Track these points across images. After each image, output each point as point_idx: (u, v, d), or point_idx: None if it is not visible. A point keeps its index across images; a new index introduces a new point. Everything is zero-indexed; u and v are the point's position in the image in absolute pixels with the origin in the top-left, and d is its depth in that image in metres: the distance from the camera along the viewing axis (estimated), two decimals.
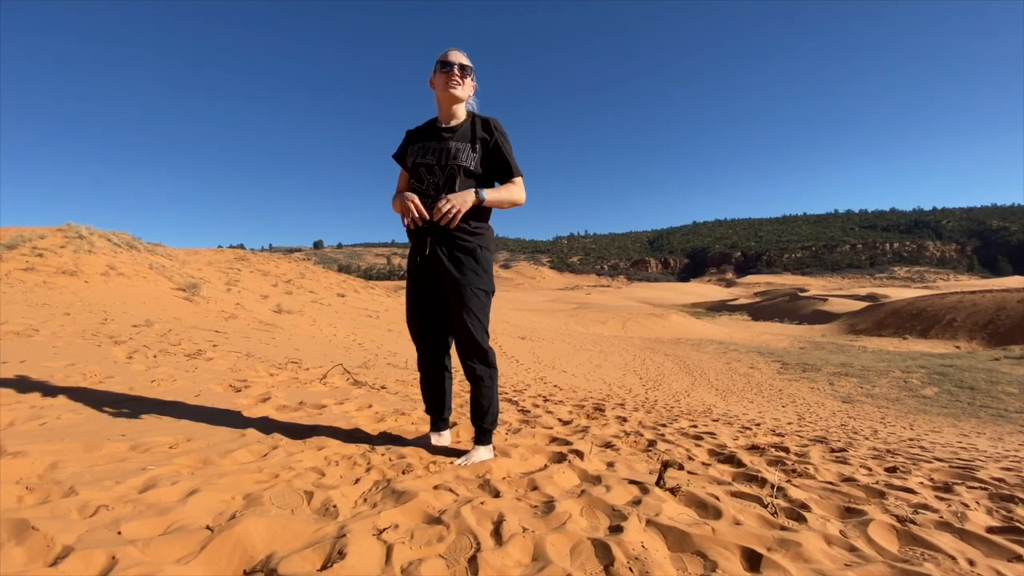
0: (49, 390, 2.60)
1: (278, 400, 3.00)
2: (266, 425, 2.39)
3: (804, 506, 1.83)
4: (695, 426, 3.87)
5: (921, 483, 2.34)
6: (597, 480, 1.91)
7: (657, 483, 1.90)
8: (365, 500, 1.58)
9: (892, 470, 2.65)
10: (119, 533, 1.19)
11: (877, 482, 2.29)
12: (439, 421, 2.24)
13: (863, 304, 47.27)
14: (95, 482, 1.47)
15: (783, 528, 1.58)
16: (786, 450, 2.99)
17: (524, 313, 34.80)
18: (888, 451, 3.54)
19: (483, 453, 2.06)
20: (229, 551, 1.17)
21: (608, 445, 2.64)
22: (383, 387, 4.11)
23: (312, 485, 1.63)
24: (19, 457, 1.60)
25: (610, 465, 2.20)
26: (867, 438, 5.19)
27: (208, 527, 1.26)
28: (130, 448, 1.84)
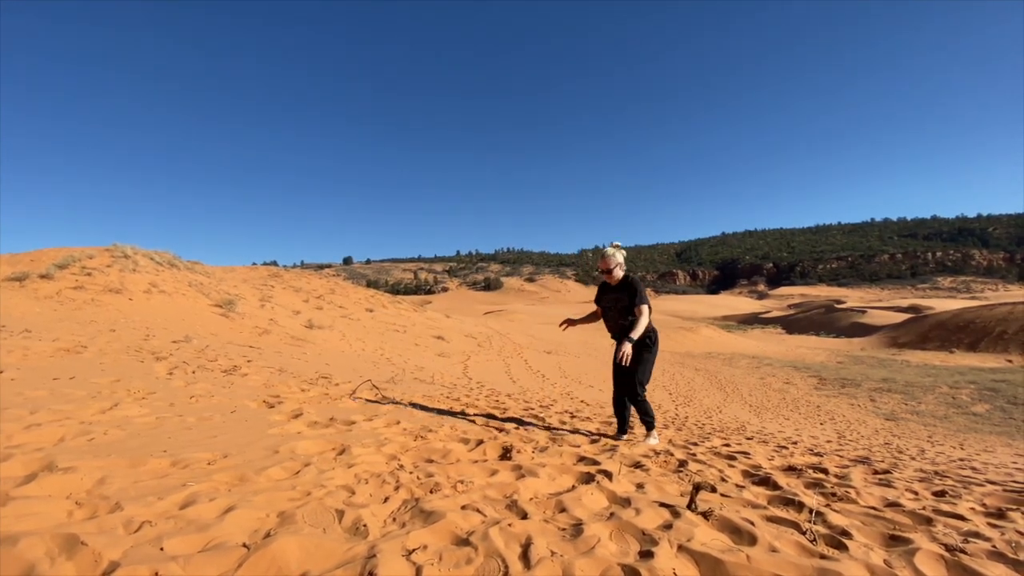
0: (97, 406, 2.73)
1: (310, 416, 3.07)
2: (298, 441, 2.44)
3: (845, 533, 1.76)
4: (728, 445, 3.77)
5: (972, 509, 2.22)
6: (626, 502, 1.88)
7: (689, 506, 1.85)
8: (394, 519, 1.60)
9: (940, 494, 2.52)
10: (162, 549, 1.24)
11: (924, 507, 2.18)
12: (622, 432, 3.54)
13: (905, 316, 45.28)
14: (139, 498, 1.53)
15: (823, 557, 1.52)
16: (825, 471, 2.87)
17: (550, 327, 34.64)
18: (936, 473, 3.36)
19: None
20: (265, 569, 1.20)
21: (637, 465, 2.60)
22: (411, 403, 4.15)
23: (343, 503, 1.66)
24: (69, 473, 1.68)
25: (640, 487, 2.17)
26: (913, 458, 4.95)
27: (245, 545, 1.29)
28: (171, 464, 1.91)
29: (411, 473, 2.06)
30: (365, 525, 1.50)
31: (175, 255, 14.11)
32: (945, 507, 2.20)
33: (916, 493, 2.50)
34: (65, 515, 1.41)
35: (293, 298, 14.74)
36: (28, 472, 1.69)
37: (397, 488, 1.88)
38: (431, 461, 2.31)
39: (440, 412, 3.84)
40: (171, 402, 3.05)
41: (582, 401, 8.07)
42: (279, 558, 1.24)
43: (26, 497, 1.47)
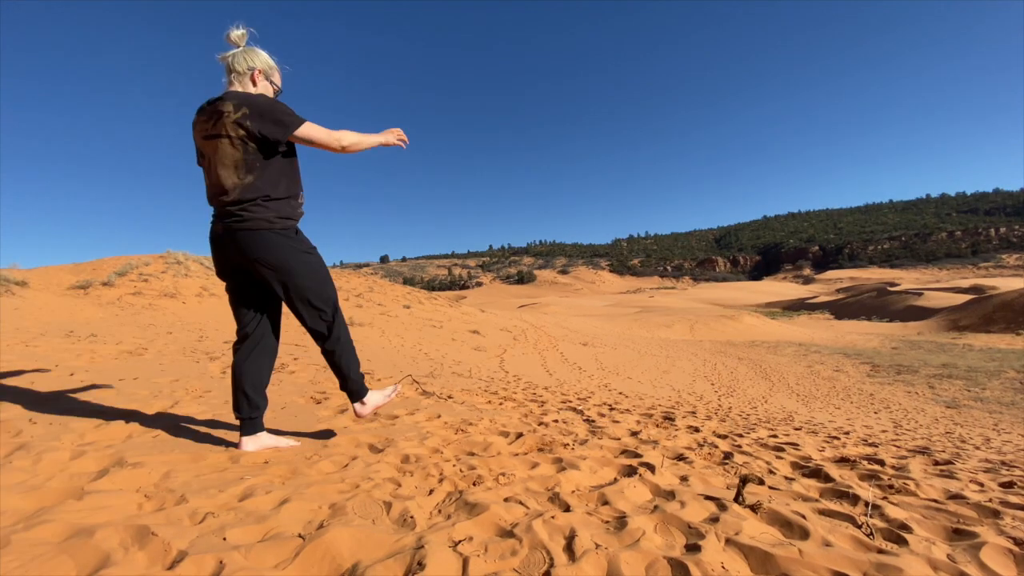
0: (159, 404, 2.90)
1: None
2: (345, 435, 2.53)
3: (904, 527, 1.68)
4: (775, 436, 3.66)
5: None
6: (671, 495, 1.86)
7: (736, 499, 1.82)
8: (439, 511, 1.63)
9: (1008, 485, 2.38)
10: (224, 539, 1.31)
11: (990, 499, 2.06)
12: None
13: (966, 297, 42.62)
14: (202, 491, 1.63)
15: (880, 551, 1.47)
16: (881, 463, 2.75)
17: (585, 319, 34.39)
18: (1003, 463, 3.17)
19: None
20: (319, 559, 1.26)
21: (680, 457, 2.56)
22: (450, 397, 4.22)
23: (390, 495, 1.71)
24: (138, 467, 1.79)
25: (683, 479, 2.14)
26: (978, 448, 4.68)
27: (300, 535, 1.35)
28: (229, 459, 2.02)
29: (454, 466, 2.10)
30: (412, 517, 1.54)
31: None
32: (1013, 499, 2.07)
33: (981, 484, 2.37)
34: (135, 507, 1.51)
35: None
36: (100, 468, 1.82)
37: (441, 480, 1.92)
38: (472, 454, 2.34)
39: (479, 406, 3.89)
40: (225, 400, 3.20)
41: (620, 393, 8.00)
42: (332, 548, 1.29)
43: (99, 491, 1.58)
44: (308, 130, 1.94)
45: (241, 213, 1.89)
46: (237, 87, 1.98)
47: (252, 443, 2.13)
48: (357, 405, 2.24)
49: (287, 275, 1.98)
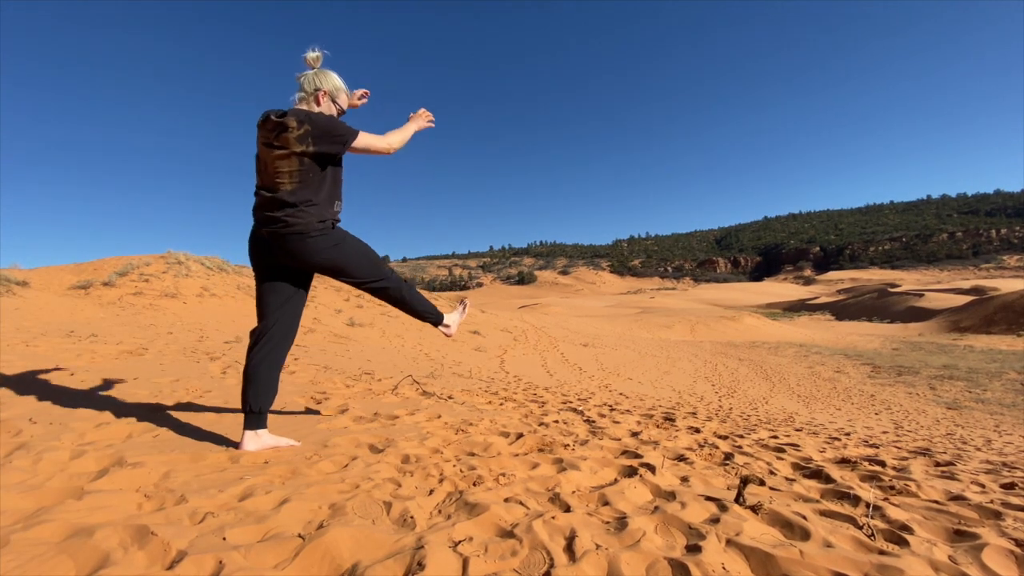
0: (159, 404, 2.90)
1: (355, 411, 3.16)
2: (345, 436, 2.53)
3: (905, 528, 1.68)
4: (776, 437, 3.65)
5: None
6: (671, 496, 1.86)
7: (736, 500, 1.81)
8: (440, 511, 1.63)
9: (1009, 487, 2.37)
10: (224, 539, 1.30)
11: (992, 501, 2.06)
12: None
13: (967, 298, 42.61)
14: (201, 491, 1.62)
15: (882, 552, 1.46)
16: (882, 464, 2.75)
17: (585, 319, 34.40)
18: (1004, 464, 3.16)
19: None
20: (319, 559, 1.26)
21: (681, 458, 2.56)
22: (450, 397, 4.22)
23: (390, 496, 1.70)
24: (138, 467, 1.79)
25: (684, 480, 2.13)
26: (979, 449, 4.67)
27: (300, 535, 1.35)
28: (229, 459, 2.02)
29: (454, 466, 2.09)
30: (412, 517, 1.54)
31: (224, 260, 14.77)
32: (1015, 500, 2.07)
33: (983, 486, 2.37)
34: (135, 507, 1.51)
35: (335, 297, 15.17)
36: (100, 467, 1.81)
37: (441, 480, 1.91)
38: (473, 454, 2.34)
39: (479, 406, 3.89)
40: (226, 400, 3.20)
41: (621, 394, 8.00)
42: (332, 548, 1.29)
43: (99, 491, 1.58)
44: (363, 140, 2.11)
45: (287, 219, 2.00)
46: (303, 106, 2.12)
47: (253, 441, 2.14)
48: (442, 328, 2.63)
49: (340, 269, 2.17)
